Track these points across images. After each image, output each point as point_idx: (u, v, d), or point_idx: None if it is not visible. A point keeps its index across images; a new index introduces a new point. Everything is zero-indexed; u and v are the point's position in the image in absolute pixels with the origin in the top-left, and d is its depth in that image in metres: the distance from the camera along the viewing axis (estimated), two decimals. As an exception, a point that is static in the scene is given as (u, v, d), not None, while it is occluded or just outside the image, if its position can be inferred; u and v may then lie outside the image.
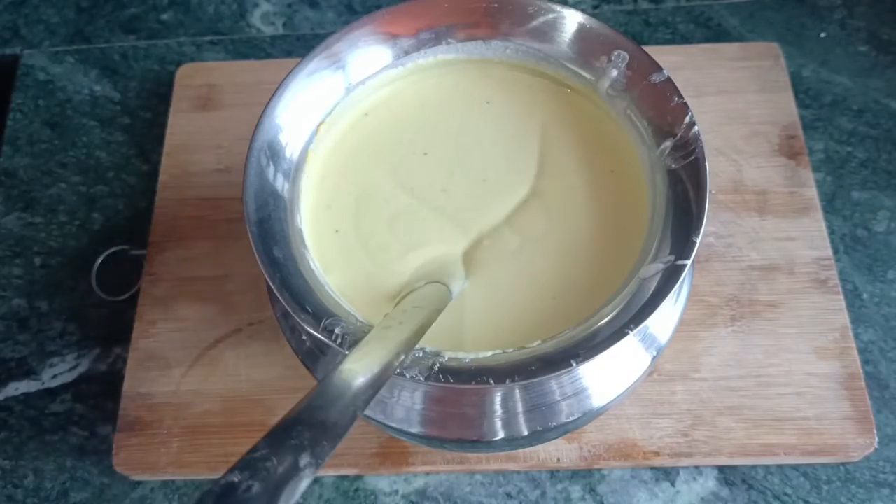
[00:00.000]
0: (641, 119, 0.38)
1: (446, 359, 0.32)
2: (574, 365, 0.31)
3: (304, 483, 0.22)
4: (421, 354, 0.32)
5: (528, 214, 0.38)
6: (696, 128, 0.35)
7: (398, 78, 0.42)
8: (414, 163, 0.40)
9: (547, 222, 0.38)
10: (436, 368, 0.31)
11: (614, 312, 0.32)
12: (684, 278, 0.32)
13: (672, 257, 0.33)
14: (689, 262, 0.32)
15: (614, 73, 0.38)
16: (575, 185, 0.39)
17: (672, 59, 0.55)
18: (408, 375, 0.31)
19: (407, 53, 0.41)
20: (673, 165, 0.35)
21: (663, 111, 0.37)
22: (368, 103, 0.42)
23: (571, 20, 0.39)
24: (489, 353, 0.33)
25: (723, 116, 0.54)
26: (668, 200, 0.35)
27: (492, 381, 0.31)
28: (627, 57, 0.38)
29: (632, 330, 0.31)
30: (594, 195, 0.39)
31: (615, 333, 0.31)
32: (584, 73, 0.40)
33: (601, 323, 0.32)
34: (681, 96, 0.36)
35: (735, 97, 0.54)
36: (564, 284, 0.36)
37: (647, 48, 0.38)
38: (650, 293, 0.32)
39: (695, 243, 0.33)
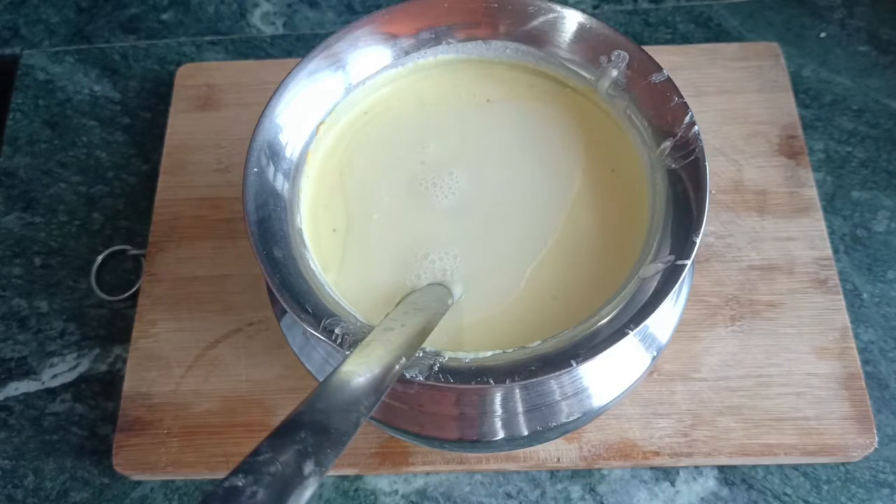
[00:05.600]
0: (641, 119, 0.38)
1: (446, 359, 0.32)
2: (574, 365, 0.31)
3: (308, 491, 0.21)
4: (421, 354, 0.32)
5: (528, 214, 0.38)
6: (696, 128, 0.35)
7: (398, 77, 0.42)
8: (413, 162, 0.40)
9: (544, 221, 0.38)
10: (436, 368, 0.31)
11: (614, 312, 0.32)
12: (684, 278, 0.32)
13: (672, 257, 0.33)
14: (689, 262, 0.32)
15: (614, 72, 0.38)
16: (575, 185, 0.39)
17: (672, 59, 0.55)
18: (408, 375, 0.31)
19: (407, 53, 0.41)
20: (673, 165, 0.35)
21: (663, 111, 0.37)
22: (368, 103, 0.42)
23: (571, 20, 0.39)
24: (489, 353, 0.33)
25: (723, 116, 0.54)
26: (668, 200, 0.35)
27: (492, 381, 0.31)
28: (627, 57, 0.38)
29: (632, 330, 0.31)
30: (594, 195, 0.39)
31: (615, 333, 0.31)
32: (584, 73, 0.40)
33: (601, 323, 0.32)
34: (681, 96, 0.36)
35: (735, 97, 0.54)
36: (564, 284, 0.36)
37: (647, 48, 0.38)
38: (650, 293, 0.32)
39: (695, 243, 0.33)
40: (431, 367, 0.31)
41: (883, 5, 0.60)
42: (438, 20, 0.40)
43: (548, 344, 0.33)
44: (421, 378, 0.31)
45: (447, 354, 0.32)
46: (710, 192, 0.36)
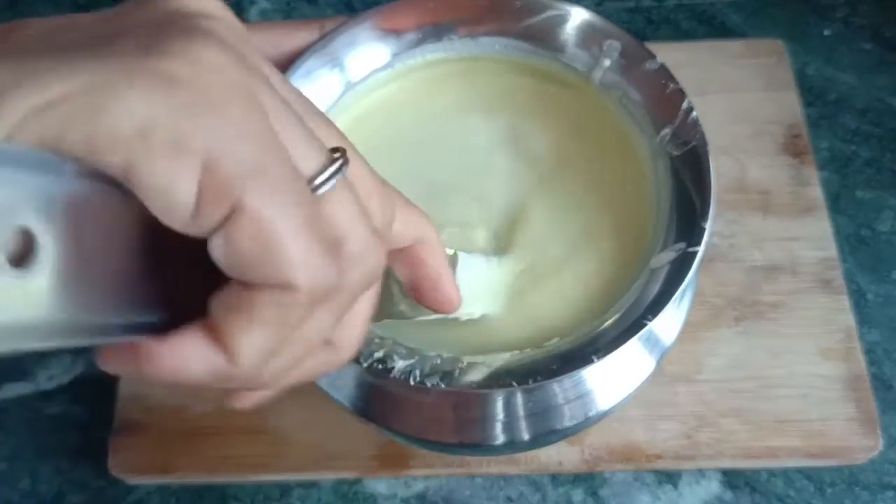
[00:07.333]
0: (638, 108, 0.37)
1: (465, 364, 0.32)
2: (595, 360, 0.30)
3: None
4: (440, 361, 0.32)
5: (531, 212, 0.38)
6: (694, 113, 0.35)
7: (395, 77, 0.41)
8: (411, 163, 0.40)
9: (551, 219, 0.37)
10: (455, 374, 0.31)
11: (629, 304, 0.32)
12: (698, 265, 0.32)
13: (683, 244, 0.32)
14: (700, 249, 0.32)
15: (607, 62, 0.37)
16: (577, 180, 0.38)
17: (675, 57, 0.53)
18: (428, 384, 0.31)
19: (402, 51, 0.40)
20: (674, 152, 0.35)
21: (660, 98, 0.36)
22: (365, 102, 0.41)
23: (561, 13, 0.38)
24: (506, 355, 0.32)
25: (726, 115, 0.53)
26: (673, 188, 0.34)
27: (514, 383, 0.30)
28: (619, 46, 0.37)
29: (650, 320, 0.31)
30: (597, 188, 0.38)
31: (633, 325, 0.31)
32: (577, 65, 0.39)
33: (617, 316, 0.32)
34: (676, 82, 0.36)
35: (739, 95, 0.54)
36: (574, 282, 0.36)
37: (649, 45, 0.38)
38: (662, 282, 0.32)
39: (704, 229, 0.32)
40: (451, 373, 0.31)
41: (887, 2, 0.60)
42: (431, 18, 0.40)
43: (565, 341, 0.32)
44: (442, 385, 0.31)
45: (466, 359, 0.32)
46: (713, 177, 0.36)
